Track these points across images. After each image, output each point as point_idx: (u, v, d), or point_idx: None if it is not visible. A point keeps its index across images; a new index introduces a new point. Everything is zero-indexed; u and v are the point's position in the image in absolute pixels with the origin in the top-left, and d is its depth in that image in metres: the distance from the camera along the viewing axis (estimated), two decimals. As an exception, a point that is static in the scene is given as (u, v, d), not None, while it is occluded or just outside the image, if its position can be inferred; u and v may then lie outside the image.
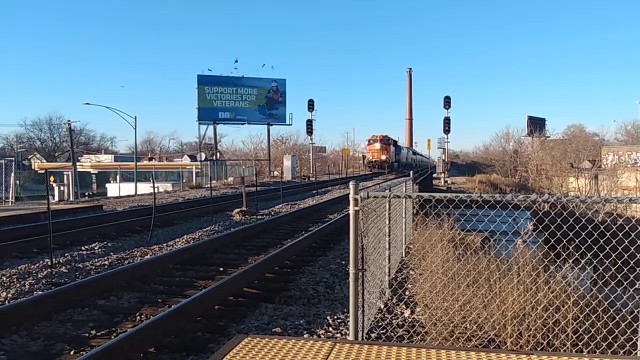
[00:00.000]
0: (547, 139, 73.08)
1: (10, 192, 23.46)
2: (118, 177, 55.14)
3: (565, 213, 4.30)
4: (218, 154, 54.13)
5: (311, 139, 54.68)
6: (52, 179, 36.57)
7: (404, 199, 8.16)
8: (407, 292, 6.36)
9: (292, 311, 5.87)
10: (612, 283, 4.37)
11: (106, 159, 69.22)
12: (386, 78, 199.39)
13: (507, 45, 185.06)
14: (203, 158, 49.64)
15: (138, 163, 47.34)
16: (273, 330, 5.20)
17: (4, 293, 6.59)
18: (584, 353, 3.92)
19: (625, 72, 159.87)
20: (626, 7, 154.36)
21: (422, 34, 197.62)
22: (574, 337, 4.23)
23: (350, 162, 72.18)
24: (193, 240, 10.87)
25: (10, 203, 22.23)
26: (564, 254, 4.50)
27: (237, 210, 16.32)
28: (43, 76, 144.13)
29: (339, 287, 7.00)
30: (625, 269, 4.12)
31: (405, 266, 8.02)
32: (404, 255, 8.72)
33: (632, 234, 3.87)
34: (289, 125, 53.24)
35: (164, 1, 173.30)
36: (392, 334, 4.86)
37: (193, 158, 58.78)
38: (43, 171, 42.02)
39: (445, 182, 43.41)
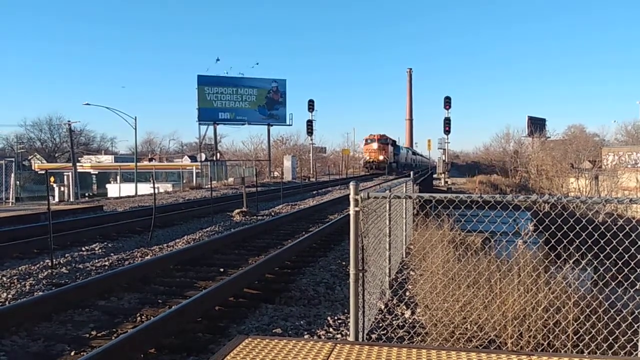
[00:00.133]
0: (548, 140, 73.13)
1: (11, 192, 23.45)
2: (118, 177, 55.19)
3: (565, 214, 4.30)
4: (218, 154, 54.13)
5: (311, 140, 54.71)
6: (52, 179, 36.55)
7: (404, 200, 8.16)
8: (407, 293, 6.36)
9: (293, 312, 5.87)
10: (613, 284, 4.37)
11: (106, 160, 69.33)
12: (386, 78, 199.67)
13: (507, 45, 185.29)
14: (203, 158, 49.62)
15: (138, 163, 47.39)
16: (273, 331, 5.20)
17: (5, 294, 6.59)
18: (585, 354, 3.92)
19: (625, 72, 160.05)
20: (626, 7, 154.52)
21: (422, 34, 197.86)
22: (575, 337, 4.23)
23: (350, 163, 72.05)
24: (193, 241, 10.87)
25: (10, 204, 22.23)
26: (565, 255, 4.49)
27: (237, 210, 16.32)
28: (43, 76, 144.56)
29: (339, 287, 7.00)
30: (626, 270, 4.12)
31: (405, 267, 8.02)
32: (404, 256, 8.72)
33: (633, 235, 3.86)
34: (289, 125, 53.29)
35: (164, 1, 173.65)
36: (393, 335, 4.86)
37: (193, 158, 58.86)
38: (43, 172, 42.03)
39: (446, 182, 43.41)
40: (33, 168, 63.00)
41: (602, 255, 4.10)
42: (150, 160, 66.98)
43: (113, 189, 48.93)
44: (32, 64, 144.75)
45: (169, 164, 64.11)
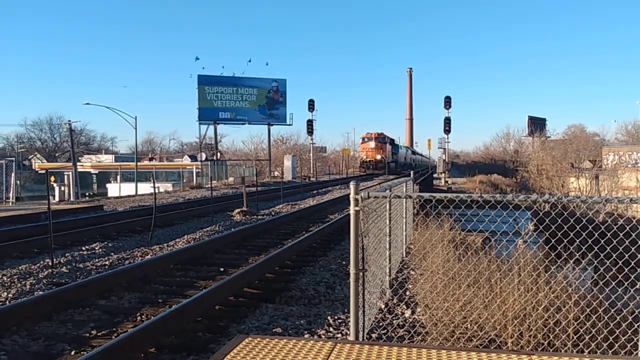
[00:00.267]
0: (548, 139, 73.14)
1: (11, 192, 23.43)
2: (118, 177, 55.14)
3: (566, 213, 4.30)
4: (218, 154, 54.16)
5: (311, 139, 54.65)
6: (52, 179, 36.53)
7: (404, 199, 8.16)
8: (407, 293, 6.36)
9: (293, 311, 5.87)
10: (613, 283, 4.36)
11: (107, 159, 69.27)
12: (386, 78, 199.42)
13: (507, 45, 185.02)
14: (203, 158, 49.64)
15: (138, 163, 47.35)
16: (274, 330, 5.20)
17: (5, 293, 6.59)
18: (585, 353, 3.92)
19: (625, 72, 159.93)
20: (626, 7, 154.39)
21: (422, 34, 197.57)
22: (575, 337, 4.23)
23: (350, 163, 71.99)
24: (194, 241, 10.87)
25: (10, 203, 22.21)
26: (565, 254, 4.49)
27: (237, 210, 16.32)
28: (43, 76, 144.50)
29: (339, 287, 7.00)
30: (626, 269, 4.12)
31: (405, 266, 8.02)
32: (404, 255, 8.72)
33: (633, 234, 3.86)
34: (290, 125, 53.37)
35: (164, 1, 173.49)
36: (393, 334, 4.86)
37: (193, 158, 58.80)
38: (43, 171, 42.08)
39: (446, 182, 43.42)
40: (33, 168, 63.02)
41: (602, 255, 4.10)
42: (151, 159, 66.95)
43: (113, 189, 48.92)
44: (32, 64, 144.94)
45: (169, 164, 64.06)
